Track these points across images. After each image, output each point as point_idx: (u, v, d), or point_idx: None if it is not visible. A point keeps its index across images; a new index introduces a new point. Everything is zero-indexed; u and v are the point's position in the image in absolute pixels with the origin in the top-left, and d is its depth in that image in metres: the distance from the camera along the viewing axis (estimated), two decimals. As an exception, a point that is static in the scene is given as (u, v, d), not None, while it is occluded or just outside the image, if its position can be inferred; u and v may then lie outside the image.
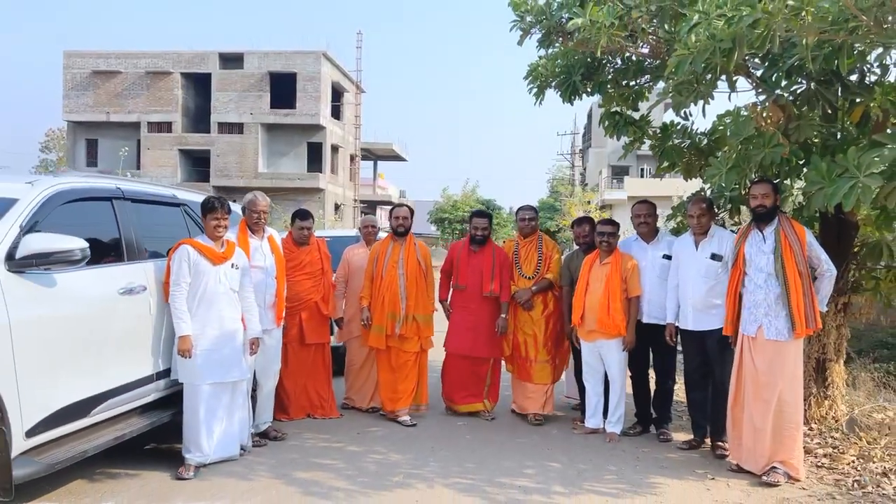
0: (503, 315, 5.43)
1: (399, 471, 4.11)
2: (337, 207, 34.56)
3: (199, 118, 33.89)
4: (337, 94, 35.75)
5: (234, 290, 4.24)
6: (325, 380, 5.49)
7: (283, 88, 32.71)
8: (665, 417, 5.09)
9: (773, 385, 4.05)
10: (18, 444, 3.02)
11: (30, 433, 3.09)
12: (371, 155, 43.15)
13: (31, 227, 3.25)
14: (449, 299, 5.75)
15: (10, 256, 3.08)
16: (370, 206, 43.87)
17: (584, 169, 43.96)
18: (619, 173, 37.23)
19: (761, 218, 4.16)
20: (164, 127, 33.26)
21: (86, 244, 3.29)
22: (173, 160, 33.13)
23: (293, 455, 4.39)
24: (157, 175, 31.74)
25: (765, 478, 3.95)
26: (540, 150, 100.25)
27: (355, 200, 38.77)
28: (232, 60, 33.16)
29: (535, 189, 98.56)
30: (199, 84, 33.65)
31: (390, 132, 63.99)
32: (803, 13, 3.58)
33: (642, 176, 36.64)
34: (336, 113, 35.63)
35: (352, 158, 38.64)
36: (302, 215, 5.43)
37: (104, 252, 3.80)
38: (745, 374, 4.20)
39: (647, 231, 5.09)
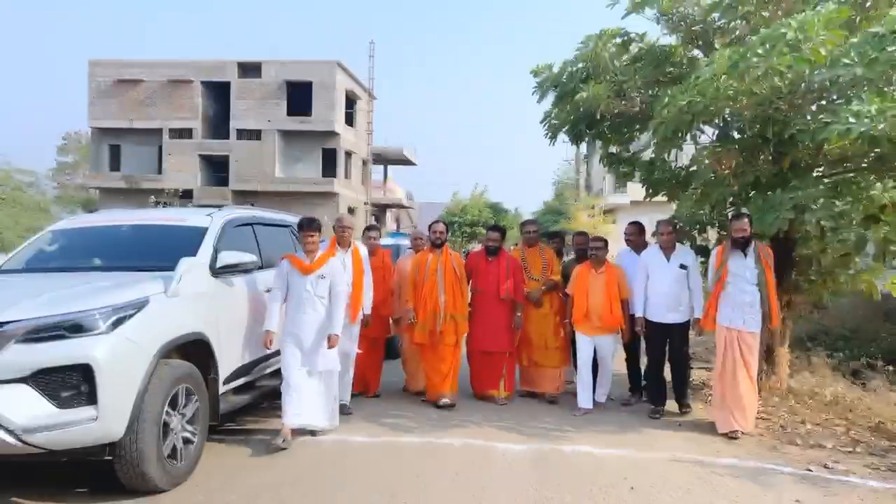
0: (518, 313, 6.57)
1: (455, 418, 5.84)
2: (350, 211, 36.22)
3: (218, 125, 35.61)
4: (350, 101, 37.46)
5: (321, 296, 5.17)
6: (377, 366, 6.80)
7: (299, 96, 34.43)
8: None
9: (753, 365, 5.64)
10: (220, 388, 4.71)
11: (225, 381, 4.79)
12: (382, 159, 44.86)
13: (218, 247, 4.94)
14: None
15: (211, 266, 4.77)
16: (380, 209, 45.58)
17: (589, 174, 45.51)
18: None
19: (743, 244, 5.56)
20: (185, 133, 34.98)
21: (255, 258, 4.99)
22: (194, 165, 34.86)
23: (377, 408, 6.13)
24: (177, 180, 33.54)
25: (731, 434, 5.41)
26: (545, 153, 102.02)
27: (366, 203, 40.43)
28: (250, 69, 34.88)
29: (540, 192, 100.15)
30: (219, 92, 35.37)
31: (399, 136, 65.55)
32: (741, 97, 5.28)
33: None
34: (349, 120, 37.35)
35: (364, 163, 40.35)
36: (368, 227, 7.03)
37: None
38: (730, 358, 5.57)
39: (634, 246, 6.71)
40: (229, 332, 4.83)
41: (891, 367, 8.17)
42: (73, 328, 3.60)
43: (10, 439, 3.40)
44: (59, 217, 22.04)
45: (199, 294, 4.53)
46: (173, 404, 4.13)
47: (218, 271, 4.80)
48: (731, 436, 5.42)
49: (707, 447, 5.14)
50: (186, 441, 4.28)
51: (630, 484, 4.29)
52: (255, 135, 34.91)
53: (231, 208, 5.63)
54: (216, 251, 4.86)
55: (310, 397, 5.14)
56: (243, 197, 33.18)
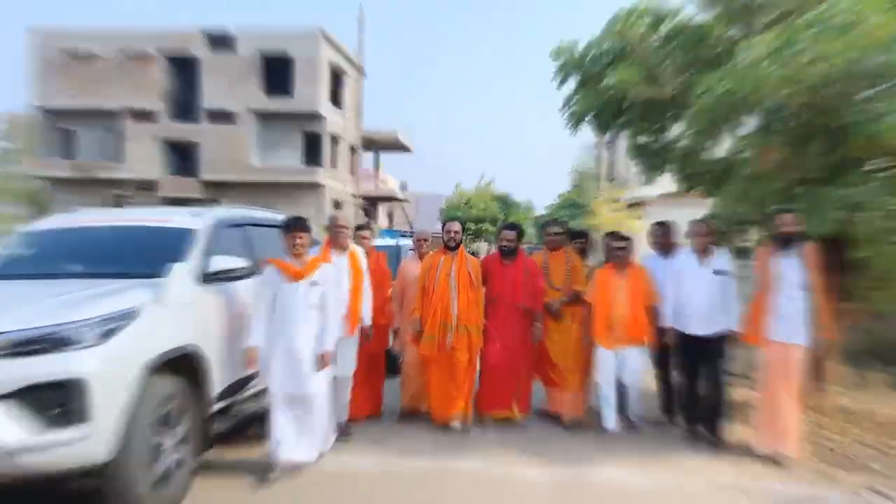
0: (537, 323, 6.69)
1: (468, 441, 6.14)
2: (337, 205, 36.43)
3: (185, 106, 35.71)
4: (336, 77, 37.64)
5: (313, 306, 5.22)
6: (378, 383, 7.01)
7: (277, 73, 34.57)
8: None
9: (802, 381, 5.83)
10: (213, 406, 4.97)
11: (217, 399, 5.04)
12: (373, 144, 45.05)
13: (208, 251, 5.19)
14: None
15: (202, 273, 5.01)
16: (371, 202, 45.78)
17: (612, 162, 45.68)
18: (650, 167, 38.95)
19: (789, 242, 5.77)
20: (146, 115, 35.10)
21: (248, 263, 5.25)
22: (157, 152, 35.03)
23: (380, 430, 6.44)
24: (138, 169, 33.77)
25: (775, 457, 5.64)
26: (561, 137, 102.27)
27: (355, 196, 40.64)
28: (221, 42, 34.98)
29: (555, 182, 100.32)
30: (185, 68, 35.51)
31: (394, 122, 65.63)
32: (785, 85, 5.52)
33: (676, 170, 38.25)
34: (335, 99, 37.53)
35: (352, 150, 40.56)
36: (359, 226, 7.01)
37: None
38: (777, 374, 5.77)
39: (661, 248, 6.95)
40: (222, 345, 5.08)
41: (954, 384, 8.40)
42: (60, 341, 3.83)
43: (-6, 461, 3.64)
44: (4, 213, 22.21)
45: (190, 303, 4.78)
46: (164, 424, 4.38)
47: (209, 278, 5.05)
48: (775, 458, 5.65)
49: (749, 471, 5.41)
50: (178, 464, 4.53)
51: (665, 513, 4.55)
52: (226, 117, 35.04)
53: (220, 208, 5.87)
54: (207, 256, 5.11)
55: (300, 425, 5.25)
56: (214, 188, 33.47)
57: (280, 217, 6.78)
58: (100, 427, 3.87)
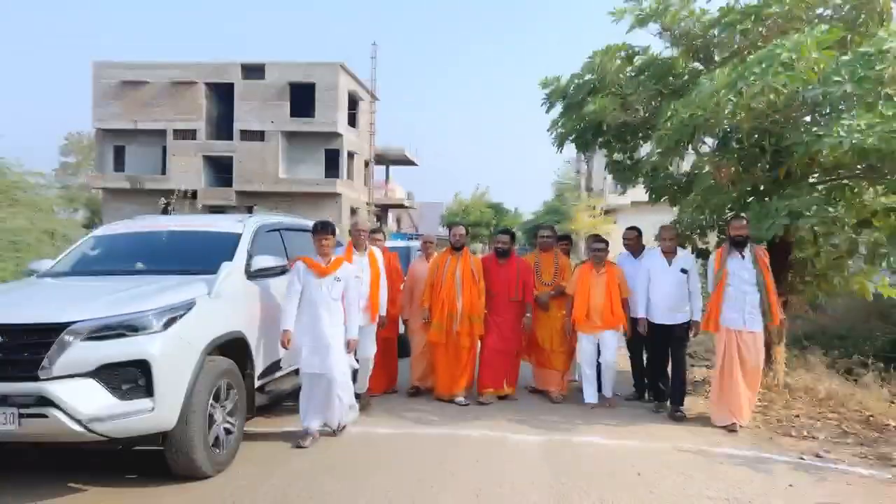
0: (528, 314, 6.84)
1: (471, 412, 6.23)
2: (353, 211, 36.55)
3: (222, 126, 35.92)
4: (353, 102, 37.81)
5: (335, 299, 5.27)
6: (393, 363, 7.18)
7: (302, 98, 34.79)
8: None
9: (757, 363, 5.97)
10: (255, 383, 5.07)
11: (258, 377, 5.14)
12: (384, 160, 45.22)
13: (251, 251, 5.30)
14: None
15: (246, 270, 5.11)
16: (382, 209, 45.92)
17: (589, 175, 45.80)
18: (622, 179, 39.08)
19: (741, 244, 5.91)
20: (189, 134, 35.30)
21: (284, 261, 5.35)
22: (197, 166, 35.19)
23: (395, 403, 6.54)
24: (181, 180, 33.89)
25: (730, 427, 5.77)
26: (545, 152, 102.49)
27: (368, 204, 40.77)
28: (253, 71, 35.20)
29: (540, 192, 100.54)
30: (223, 93, 35.69)
31: (401, 136, 65.60)
32: (739, 111, 5.63)
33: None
34: (352, 121, 37.70)
35: (366, 164, 40.73)
36: (373, 229, 7.08)
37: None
38: (729, 356, 5.91)
39: (632, 249, 7.07)
40: (262, 331, 5.18)
41: (882, 364, 8.51)
42: (132, 327, 3.96)
43: (77, 428, 3.74)
44: (61, 217, 22.25)
45: (237, 296, 4.88)
46: (216, 397, 4.49)
47: (252, 274, 5.15)
48: (729, 428, 5.76)
49: (707, 438, 5.51)
50: (227, 431, 4.64)
51: (636, 470, 4.65)
52: (258, 136, 35.24)
53: (260, 215, 5.98)
54: (250, 255, 5.22)
55: (327, 399, 5.28)
56: (247, 197, 33.60)
57: (307, 223, 6.92)
58: (164, 400, 3.98)
